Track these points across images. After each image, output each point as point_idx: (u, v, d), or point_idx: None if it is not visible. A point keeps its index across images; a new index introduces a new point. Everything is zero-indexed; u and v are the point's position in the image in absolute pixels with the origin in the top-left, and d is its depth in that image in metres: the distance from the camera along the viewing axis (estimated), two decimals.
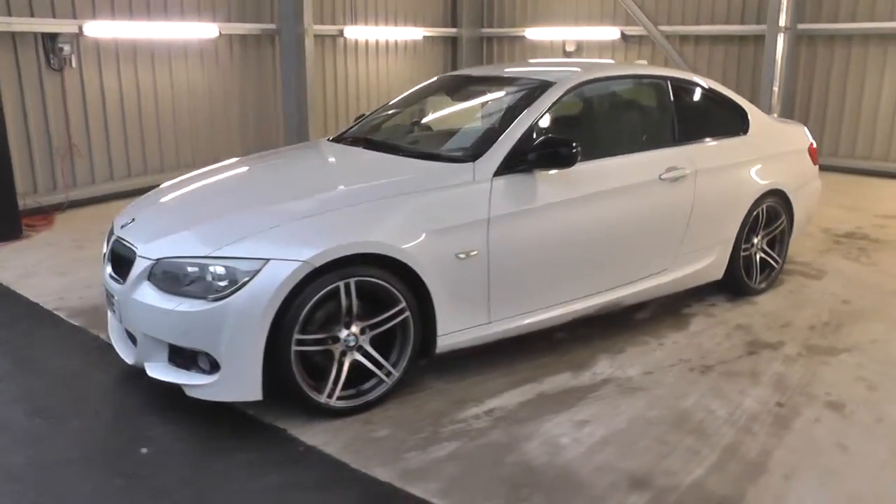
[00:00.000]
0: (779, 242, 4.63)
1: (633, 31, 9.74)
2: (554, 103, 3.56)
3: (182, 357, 2.88)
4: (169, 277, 2.86)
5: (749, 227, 4.35)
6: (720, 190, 4.12)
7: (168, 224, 3.11)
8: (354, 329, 2.94)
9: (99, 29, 6.51)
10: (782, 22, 7.89)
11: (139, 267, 2.92)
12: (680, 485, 2.61)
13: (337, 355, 2.92)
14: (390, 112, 4.39)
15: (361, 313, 2.93)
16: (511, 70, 4.41)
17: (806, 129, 4.96)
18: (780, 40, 7.94)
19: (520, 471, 2.67)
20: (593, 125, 3.91)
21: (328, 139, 4.30)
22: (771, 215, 4.49)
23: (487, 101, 4.02)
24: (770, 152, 4.48)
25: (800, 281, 4.81)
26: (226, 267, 2.76)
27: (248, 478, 2.62)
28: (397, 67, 10.25)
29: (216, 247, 2.81)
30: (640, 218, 3.77)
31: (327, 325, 2.90)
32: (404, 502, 2.47)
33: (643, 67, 4.28)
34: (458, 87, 4.38)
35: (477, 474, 2.64)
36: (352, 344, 2.94)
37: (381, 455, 2.74)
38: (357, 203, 3.00)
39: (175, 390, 3.01)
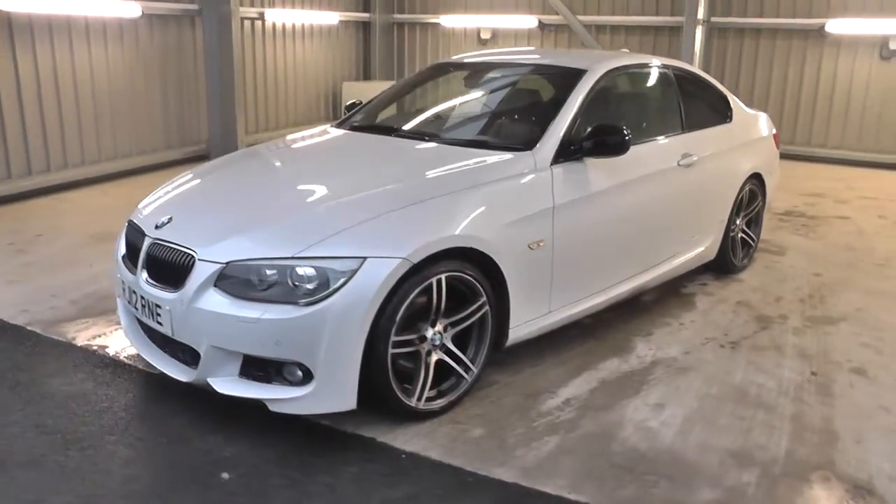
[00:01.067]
0: (755, 222, 4.93)
1: (550, 19, 9.95)
2: (590, 90, 3.56)
3: (259, 369, 2.62)
4: (241, 282, 2.58)
5: (736, 209, 4.60)
6: (719, 174, 4.33)
7: (225, 222, 2.79)
8: (439, 327, 2.81)
9: (10, 2, 5.72)
10: (700, 15, 8.40)
11: (203, 272, 2.61)
12: (777, 457, 2.72)
13: (423, 355, 2.78)
14: (397, 100, 4.20)
15: (445, 310, 2.81)
16: (512, 57, 4.38)
17: (767, 116, 5.30)
18: (699, 32, 8.45)
19: (632, 458, 2.67)
20: (623, 112, 3.96)
21: (331, 125, 4.06)
22: (750, 197, 4.78)
23: (511, 89, 3.96)
24: (749, 138, 4.78)
25: (768, 257, 5.16)
26: (315, 268, 2.53)
27: (361, 493, 2.43)
28: (314, 53, 9.87)
29: (301, 246, 2.56)
30: (666, 203, 3.88)
31: (412, 325, 2.75)
32: (542, 502, 2.40)
33: (656, 57, 4.37)
34: (470, 75, 4.27)
35: (594, 465, 2.61)
36: (437, 343, 2.81)
37: (490, 456, 2.65)
38: (437, 195, 2.84)
39: (227, 404, 2.74)
